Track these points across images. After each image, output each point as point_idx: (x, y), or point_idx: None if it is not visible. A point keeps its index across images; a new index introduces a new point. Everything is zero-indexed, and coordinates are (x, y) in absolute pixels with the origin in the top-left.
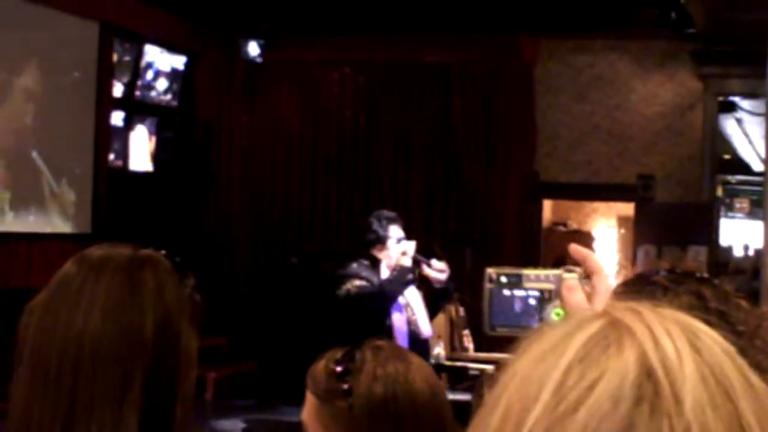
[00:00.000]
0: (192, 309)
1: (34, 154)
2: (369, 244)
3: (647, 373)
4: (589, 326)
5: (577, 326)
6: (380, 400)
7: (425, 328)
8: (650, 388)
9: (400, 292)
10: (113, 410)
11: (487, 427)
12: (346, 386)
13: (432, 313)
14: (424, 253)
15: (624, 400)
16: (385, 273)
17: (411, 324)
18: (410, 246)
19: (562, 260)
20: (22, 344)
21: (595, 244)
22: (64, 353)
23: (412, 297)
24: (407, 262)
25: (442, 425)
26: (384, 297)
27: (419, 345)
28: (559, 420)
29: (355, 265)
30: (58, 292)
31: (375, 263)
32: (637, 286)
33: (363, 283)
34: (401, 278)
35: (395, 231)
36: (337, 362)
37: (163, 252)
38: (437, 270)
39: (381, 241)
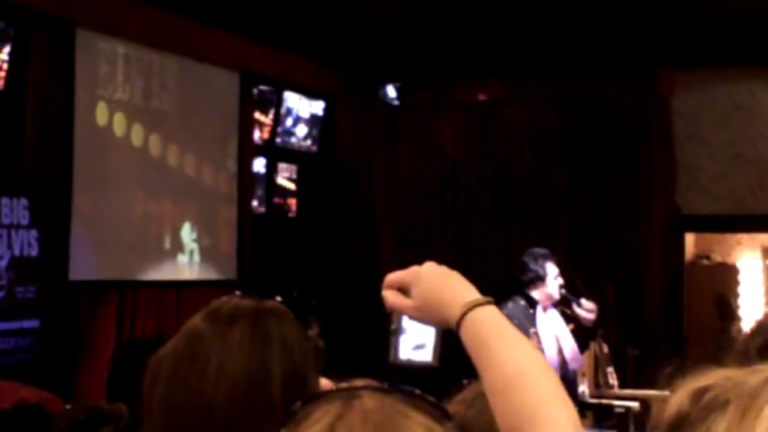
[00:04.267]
0: (315, 356)
1: (181, 203)
2: (527, 284)
3: None
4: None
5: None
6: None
7: (574, 359)
8: None
9: None
10: None
11: None
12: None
13: (579, 350)
14: (568, 289)
15: None
16: (540, 314)
17: (561, 356)
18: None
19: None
20: (149, 401)
21: (740, 277)
22: (195, 424)
23: (560, 330)
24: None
25: None
26: None
27: (567, 376)
28: None
29: (510, 305)
30: (186, 351)
31: (531, 302)
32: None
33: None
34: None
35: (551, 268)
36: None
37: (279, 299)
38: (587, 310)
39: (540, 278)
